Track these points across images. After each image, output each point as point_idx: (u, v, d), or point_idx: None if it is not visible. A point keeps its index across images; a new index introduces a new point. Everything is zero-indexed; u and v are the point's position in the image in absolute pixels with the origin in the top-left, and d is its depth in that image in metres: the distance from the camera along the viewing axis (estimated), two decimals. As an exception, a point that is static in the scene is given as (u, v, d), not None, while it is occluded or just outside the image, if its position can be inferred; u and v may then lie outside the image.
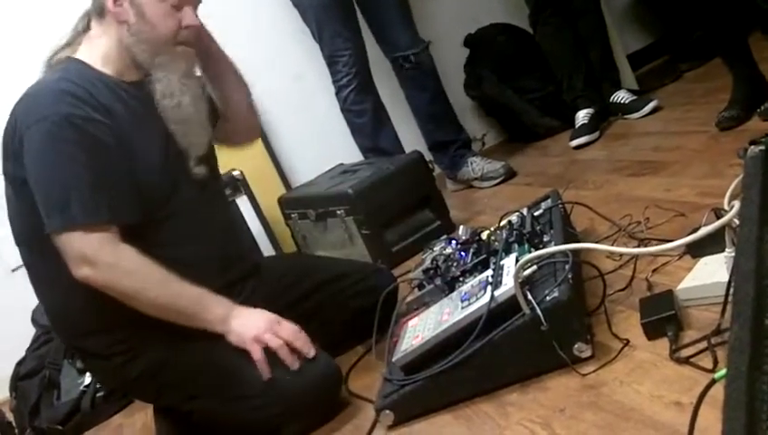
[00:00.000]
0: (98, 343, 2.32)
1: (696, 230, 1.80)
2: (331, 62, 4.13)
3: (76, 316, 2.33)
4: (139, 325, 2.25)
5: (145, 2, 2.29)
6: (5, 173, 2.28)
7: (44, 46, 2.45)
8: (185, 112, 2.37)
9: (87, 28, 2.39)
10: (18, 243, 2.35)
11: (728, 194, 1.88)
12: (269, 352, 2.23)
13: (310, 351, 2.25)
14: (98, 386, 3.38)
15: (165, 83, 2.34)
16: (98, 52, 2.35)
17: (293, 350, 2.24)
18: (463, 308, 2.01)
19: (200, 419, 2.36)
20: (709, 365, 1.60)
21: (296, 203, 3.89)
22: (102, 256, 2.16)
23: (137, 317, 2.22)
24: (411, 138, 4.40)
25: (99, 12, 2.35)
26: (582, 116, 4.21)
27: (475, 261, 2.31)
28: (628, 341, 1.86)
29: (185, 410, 2.35)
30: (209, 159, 2.52)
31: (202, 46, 2.47)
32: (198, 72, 2.50)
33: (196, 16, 2.38)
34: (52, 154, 2.16)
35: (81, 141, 2.16)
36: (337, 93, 4.18)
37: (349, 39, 4.09)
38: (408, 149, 4.09)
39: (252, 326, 2.24)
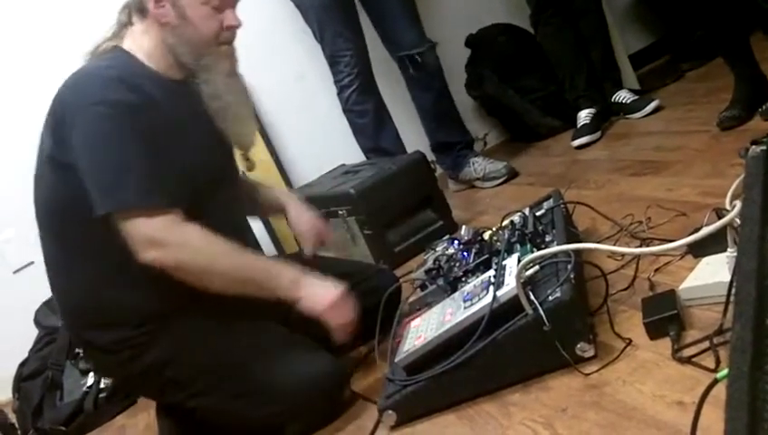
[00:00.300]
0: (107, 337, 2.32)
1: (697, 230, 1.81)
2: (333, 62, 4.13)
3: (89, 308, 2.33)
4: (150, 322, 2.27)
5: (187, 4, 2.30)
6: (47, 156, 2.26)
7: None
8: (232, 111, 2.40)
9: (129, 21, 2.40)
10: (43, 227, 2.35)
11: (730, 194, 1.88)
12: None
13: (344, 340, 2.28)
14: (101, 387, 3.39)
15: (211, 85, 2.37)
16: (142, 47, 2.36)
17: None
18: (465, 308, 2.02)
19: (203, 416, 2.36)
20: (711, 365, 1.61)
21: (298, 203, 3.88)
22: (170, 237, 2.16)
23: (148, 314, 2.26)
24: (413, 138, 4.40)
25: (140, 10, 2.36)
26: (584, 116, 4.21)
27: (478, 261, 2.32)
28: (630, 340, 1.87)
29: (188, 408, 2.35)
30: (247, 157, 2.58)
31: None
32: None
33: (237, 16, 2.40)
34: (107, 137, 2.16)
35: (135, 127, 2.17)
36: (339, 94, 4.18)
37: (350, 39, 4.08)
38: (409, 150, 4.09)
39: (326, 295, 2.25)
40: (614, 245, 2.41)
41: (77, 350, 3.50)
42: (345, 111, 4.21)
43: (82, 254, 2.26)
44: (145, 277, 2.19)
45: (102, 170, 2.16)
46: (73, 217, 2.23)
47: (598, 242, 2.46)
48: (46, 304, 3.78)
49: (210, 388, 2.30)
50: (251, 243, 2.77)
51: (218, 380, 2.29)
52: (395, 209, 3.53)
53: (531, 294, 1.92)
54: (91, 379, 3.42)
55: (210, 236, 2.20)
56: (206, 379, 2.29)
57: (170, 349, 2.29)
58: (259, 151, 4.28)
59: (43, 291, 3.73)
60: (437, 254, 2.58)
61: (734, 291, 1.16)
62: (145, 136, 2.18)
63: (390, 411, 2.04)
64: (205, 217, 2.27)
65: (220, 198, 2.42)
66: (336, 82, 4.18)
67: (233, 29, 2.38)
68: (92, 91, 2.19)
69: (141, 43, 2.36)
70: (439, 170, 4.37)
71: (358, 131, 4.25)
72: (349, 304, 2.27)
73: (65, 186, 2.22)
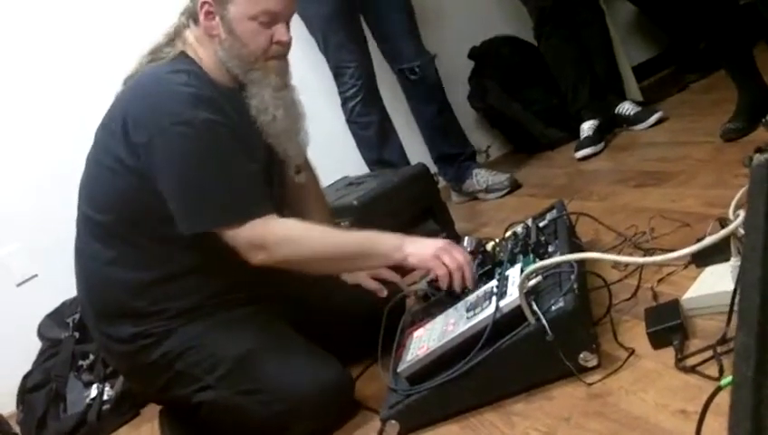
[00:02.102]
0: (125, 328, 2.36)
1: (701, 240, 1.80)
2: (337, 73, 4.14)
3: (124, 305, 2.36)
4: (173, 317, 2.33)
5: (235, 19, 2.32)
6: (117, 159, 2.29)
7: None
8: (280, 126, 2.41)
9: (187, 25, 2.43)
10: (93, 221, 2.38)
11: (733, 204, 1.88)
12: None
13: (472, 284, 2.25)
14: (104, 399, 3.39)
15: (258, 99, 2.37)
16: (200, 55, 2.39)
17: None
18: (468, 319, 2.02)
19: (208, 413, 2.36)
20: (715, 374, 1.60)
21: (302, 215, 3.88)
22: (269, 238, 2.24)
23: (176, 311, 2.32)
24: (417, 150, 4.40)
25: (195, 19, 2.39)
26: (587, 127, 4.21)
27: (481, 272, 2.31)
28: (633, 350, 1.86)
29: (192, 404, 2.35)
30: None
31: None
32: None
33: (288, 31, 2.40)
34: (190, 158, 2.23)
35: (215, 145, 2.24)
36: (343, 105, 4.19)
37: (354, 51, 4.09)
38: (413, 162, 4.09)
39: (430, 245, 2.28)
40: (618, 255, 2.40)
41: (80, 362, 3.50)
42: (349, 122, 4.21)
43: (137, 256, 2.34)
44: (188, 282, 2.32)
45: (188, 192, 2.24)
46: (141, 221, 2.31)
47: (601, 252, 2.46)
48: (50, 316, 3.78)
49: (219, 382, 2.30)
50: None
51: (228, 375, 2.30)
52: (398, 221, 3.52)
53: (534, 304, 1.91)
54: (94, 391, 3.42)
55: (305, 225, 2.33)
56: (216, 373, 2.30)
57: (184, 342, 2.32)
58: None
59: (47, 304, 3.77)
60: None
61: (737, 299, 1.16)
62: (225, 152, 2.26)
63: (393, 421, 2.03)
64: None
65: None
66: (340, 93, 4.18)
67: (282, 44, 2.38)
68: (172, 109, 2.23)
69: (198, 51, 2.39)
70: (442, 182, 4.37)
71: (362, 143, 4.25)
72: (455, 250, 2.28)
73: (137, 191, 2.28)
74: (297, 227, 2.31)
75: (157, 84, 2.31)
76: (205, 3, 2.33)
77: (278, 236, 2.25)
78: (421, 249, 2.27)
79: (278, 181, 2.53)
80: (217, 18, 2.33)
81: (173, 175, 2.23)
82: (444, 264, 2.22)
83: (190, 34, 2.41)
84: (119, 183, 2.30)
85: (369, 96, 4.15)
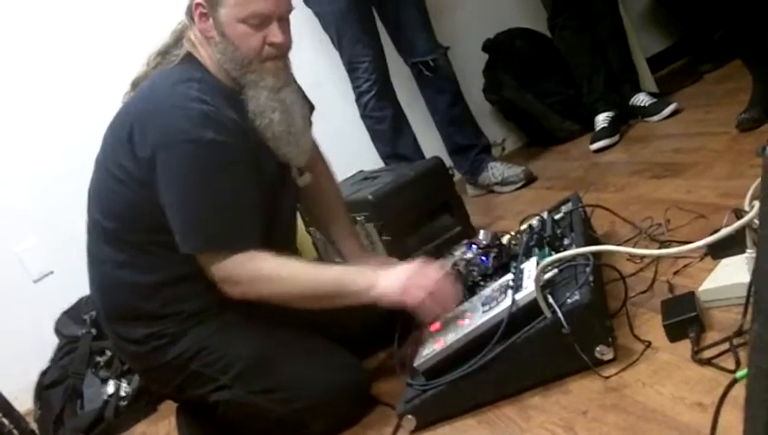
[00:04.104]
0: (138, 330, 2.36)
1: (716, 231, 1.80)
2: (351, 68, 4.14)
3: (136, 306, 2.36)
4: (186, 318, 2.33)
5: (225, 22, 2.28)
6: (122, 168, 2.29)
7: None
8: (277, 129, 2.37)
9: (189, 24, 2.41)
10: (102, 226, 2.37)
11: (749, 195, 1.88)
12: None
13: (448, 305, 2.21)
14: (121, 395, 3.40)
15: (255, 103, 2.34)
16: (203, 56, 2.37)
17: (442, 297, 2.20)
18: (484, 312, 2.02)
19: (225, 411, 2.37)
20: (731, 366, 1.60)
21: (317, 210, 3.88)
22: (243, 274, 2.24)
23: (189, 313, 2.32)
24: (432, 144, 4.40)
25: (192, 20, 2.37)
26: (602, 119, 4.20)
27: (496, 265, 2.31)
28: (649, 343, 1.86)
29: (209, 403, 2.36)
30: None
31: None
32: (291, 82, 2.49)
33: (285, 30, 2.35)
34: (192, 179, 2.21)
35: (226, 168, 2.22)
36: (357, 100, 4.20)
37: (368, 45, 4.09)
38: (428, 155, 4.09)
39: (400, 277, 2.21)
40: (633, 247, 2.40)
41: (98, 359, 3.52)
42: (363, 117, 4.22)
43: (145, 260, 2.33)
44: (199, 284, 2.29)
45: (184, 211, 2.23)
46: (147, 229, 2.30)
47: (617, 245, 2.45)
48: (66, 313, 3.79)
49: (234, 382, 2.31)
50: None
51: (243, 374, 2.30)
52: (413, 215, 3.52)
53: (549, 297, 1.91)
54: (111, 387, 3.44)
55: (278, 262, 2.25)
56: (232, 373, 2.31)
57: (199, 342, 2.32)
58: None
59: (64, 300, 3.78)
60: (456, 258, 2.57)
61: (753, 290, 1.16)
62: (236, 176, 2.25)
63: (410, 416, 2.04)
64: (270, 228, 2.37)
65: (284, 206, 2.50)
66: (354, 88, 4.19)
67: (276, 45, 2.32)
68: (180, 126, 2.20)
69: (201, 52, 2.37)
70: (457, 176, 4.36)
71: (376, 138, 4.26)
72: (423, 275, 2.21)
73: (146, 202, 2.26)
74: (272, 266, 2.25)
75: (167, 96, 2.27)
76: (198, 5, 2.30)
77: (251, 274, 2.24)
78: (391, 284, 2.20)
79: (290, 181, 2.52)
80: (210, 20, 2.30)
81: (170, 192, 2.21)
82: (417, 300, 2.18)
83: (193, 34, 2.39)
84: (127, 193, 2.29)
85: (383, 90, 4.15)
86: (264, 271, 2.24)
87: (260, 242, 2.26)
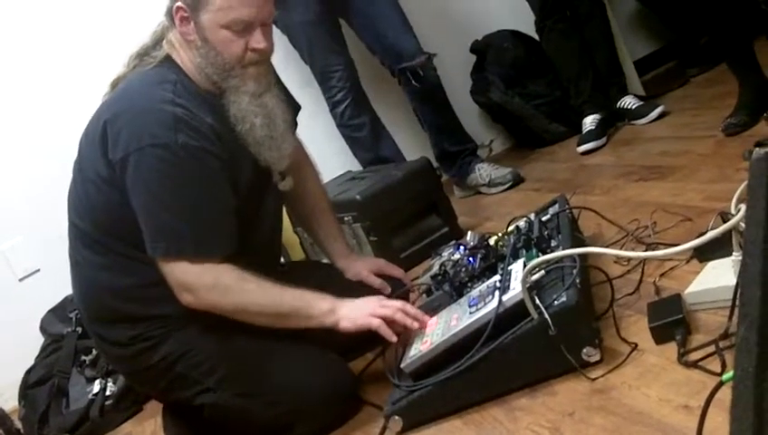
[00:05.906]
0: (122, 332, 2.35)
1: (703, 234, 1.80)
2: (324, 78, 4.15)
3: (117, 309, 2.35)
4: (170, 321, 2.31)
5: (207, 27, 2.26)
6: (96, 173, 2.27)
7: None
8: (258, 134, 2.34)
9: (169, 26, 2.38)
10: (81, 230, 2.36)
11: (735, 198, 1.89)
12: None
13: (423, 318, 2.24)
14: (107, 394, 3.39)
15: (236, 108, 2.32)
16: (183, 60, 2.35)
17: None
18: (471, 313, 2.02)
19: (210, 414, 2.36)
20: (717, 369, 1.60)
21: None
22: (202, 283, 2.21)
23: (172, 315, 2.29)
24: (413, 145, 4.42)
25: (173, 22, 2.33)
26: (590, 122, 4.21)
27: (483, 266, 2.32)
28: (636, 345, 1.86)
29: (195, 406, 2.35)
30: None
31: None
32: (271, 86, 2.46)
33: (267, 36, 2.34)
34: (162, 183, 2.18)
35: (197, 173, 2.20)
36: (332, 110, 4.21)
37: (340, 53, 4.13)
38: (409, 157, 4.10)
39: (362, 307, 2.25)
40: (620, 249, 2.40)
41: (83, 357, 3.51)
42: (340, 126, 4.23)
43: (123, 263, 2.31)
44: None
45: (152, 215, 2.21)
46: (121, 232, 2.28)
47: (603, 247, 2.46)
48: (52, 311, 3.79)
49: (219, 385, 2.30)
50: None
51: (228, 377, 2.30)
52: (401, 215, 3.53)
53: (536, 298, 1.92)
54: (97, 386, 3.43)
55: (240, 275, 2.23)
56: (217, 376, 2.30)
57: (183, 345, 2.31)
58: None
59: (49, 298, 3.78)
60: (443, 259, 2.57)
61: (739, 293, 1.16)
62: (207, 182, 2.23)
63: (396, 417, 2.04)
64: (250, 230, 2.35)
65: (267, 210, 2.48)
66: (328, 98, 4.19)
67: (258, 51, 2.31)
68: (153, 130, 2.17)
69: (181, 54, 2.35)
70: (445, 176, 4.36)
71: (356, 145, 4.26)
72: (390, 300, 2.29)
73: (116, 204, 2.24)
74: (231, 278, 2.22)
75: (141, 98, 2.26)
76: (179, 9, 2.27)
77: (209, 283, 2.21)
78: (354, 312, 2.24)
79: (272, 185, 2.49)
80: (192, 24, 2.28)
81: (140, 196, 2.19)
82: (379, 316, 2.22)
83: (173, 36, 2.37)
84: (100, 196, 2.28)
85: (357, 97, 4.17)
86: (224, 282, 2.22)
87: (232, 247, 2.25)
